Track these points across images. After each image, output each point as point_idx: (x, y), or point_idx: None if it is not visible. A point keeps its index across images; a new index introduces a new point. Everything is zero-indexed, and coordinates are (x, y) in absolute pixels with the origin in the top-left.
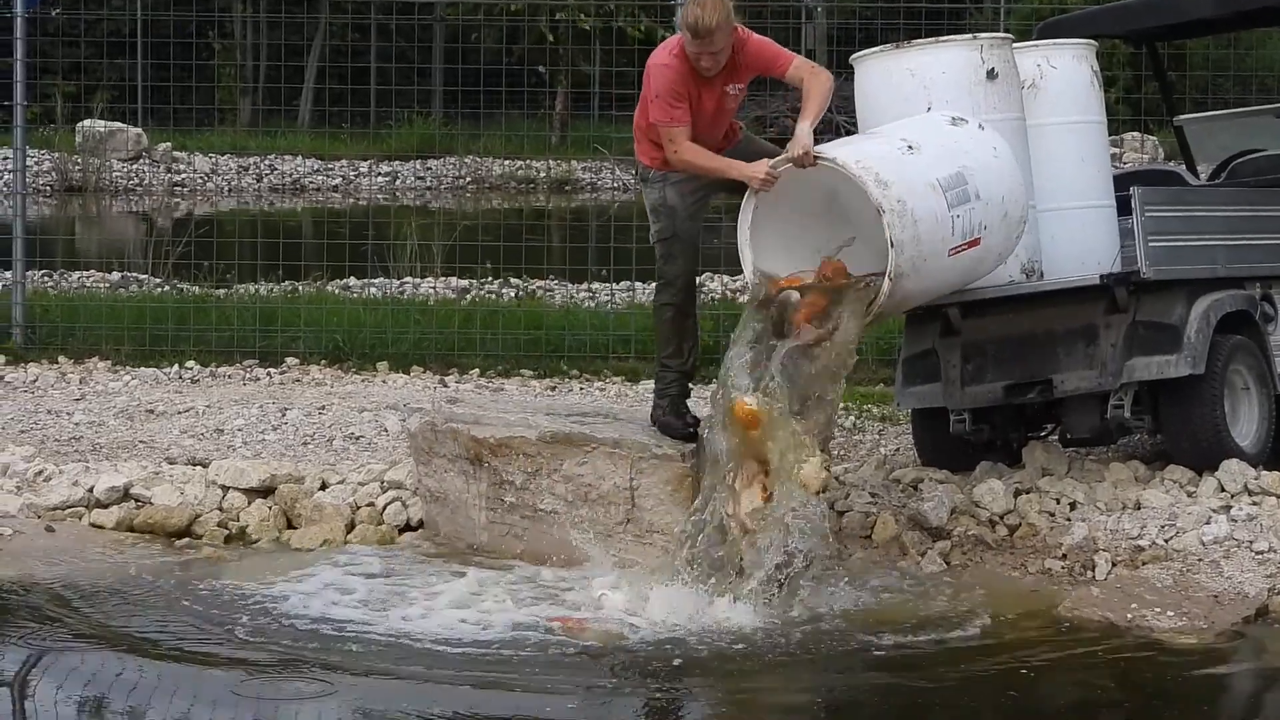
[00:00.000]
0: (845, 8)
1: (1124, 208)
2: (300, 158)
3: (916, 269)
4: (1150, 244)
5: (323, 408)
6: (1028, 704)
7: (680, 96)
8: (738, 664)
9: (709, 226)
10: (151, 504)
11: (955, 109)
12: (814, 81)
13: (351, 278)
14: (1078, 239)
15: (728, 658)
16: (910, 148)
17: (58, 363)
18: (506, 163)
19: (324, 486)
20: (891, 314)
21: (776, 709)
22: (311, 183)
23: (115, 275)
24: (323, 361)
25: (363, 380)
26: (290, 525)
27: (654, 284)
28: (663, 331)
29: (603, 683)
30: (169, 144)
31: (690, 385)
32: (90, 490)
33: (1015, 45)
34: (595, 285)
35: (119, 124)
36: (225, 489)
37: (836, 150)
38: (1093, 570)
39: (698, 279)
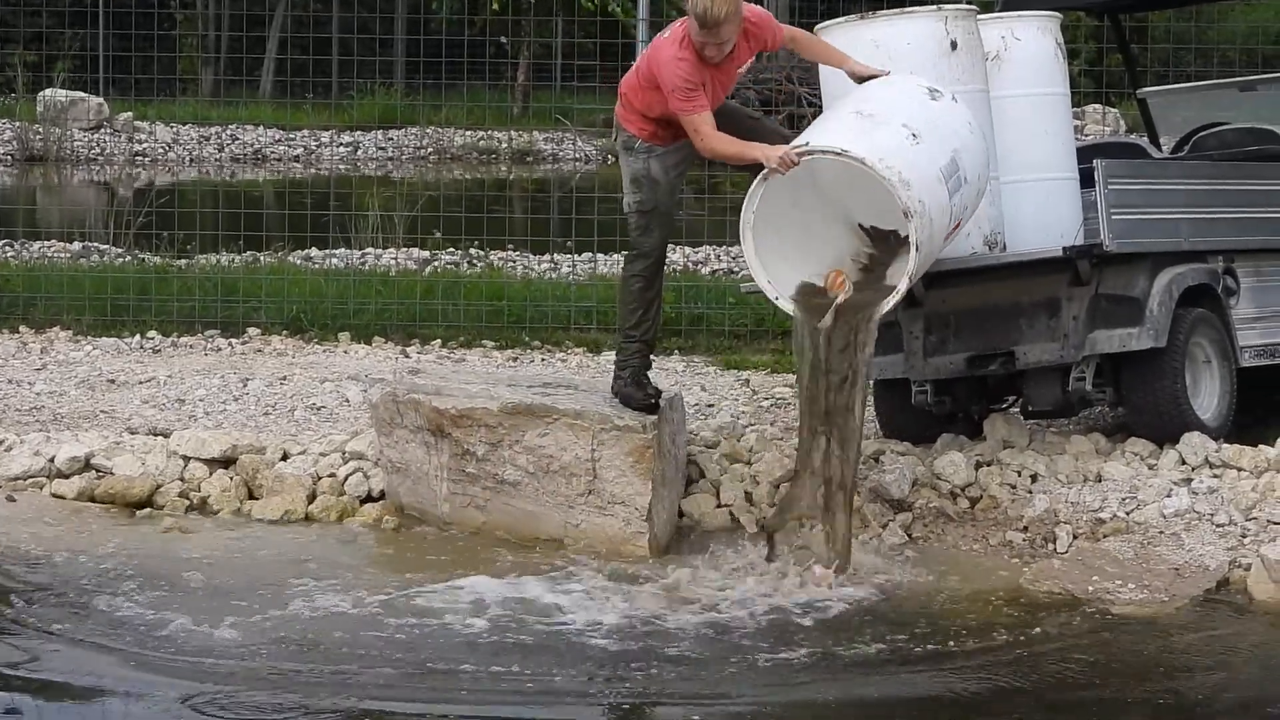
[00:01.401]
0: None
1: (1087, 180)
2: (262, 128)
3: (923, 265)
4: (1113, 217)
5: (284, 378)
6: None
7: (696, 86)
8: None
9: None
10: (113, 474)
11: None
12: (812, 40)
13: (313, 248)
14: (1040, 211)
15: None
16: (914, 135)
17: (19, 332)
18: (468, 133)
19: (285, 457)
20: None
21: None
22: (273, 153)
23: (76, 245)
24: (284, 332)
25: (324, 351)
26: (252, 496)
27: (622, 254)
28: (629, 302)
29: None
30: (130, 114)
31: (651, 357)
32: (51, 460)
33: (979, 17)
34: (557, 256)
35: (80, 93)
36: (186, 459)
37: (854, 143)
38: (1054, 543)
39: None
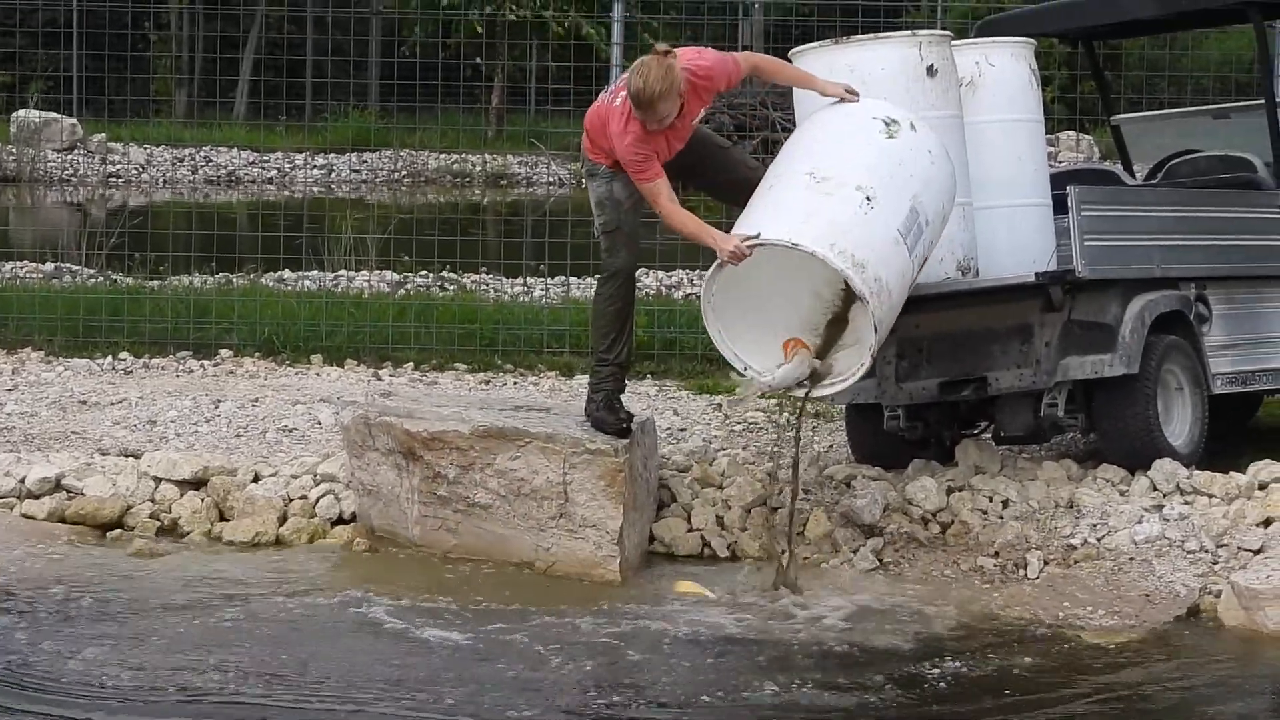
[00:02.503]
0: (782, 4)
1: (1060, 206)
2: (236, 150)
3: (886, 325)
4: (1086, 243)
5: (256, 400)
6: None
7: (648, 155)
8: None
9: (646, 222)
10: (83, 495)
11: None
12: (777, 66)
13: (286, 270)
14: (1014, 237)
15: None
16: (868, 199)
17: None
18: (442, 156)
19: (257, 479)
20: None
21: None
22: (247, 175)
23: (49, 266)
24: (256, 354)
25: (296, 373)
26: (223, 517)
27: (595, 278)
28: (602, 324)
29: None
30: (104, 135)
31: (625, 381)
32: (22, 481)
33: (954, 43)
34: (530, 280)
35: (54, 114)
36: (158, 481)
37: (804, 228)
38: (1025, 568)
39: None
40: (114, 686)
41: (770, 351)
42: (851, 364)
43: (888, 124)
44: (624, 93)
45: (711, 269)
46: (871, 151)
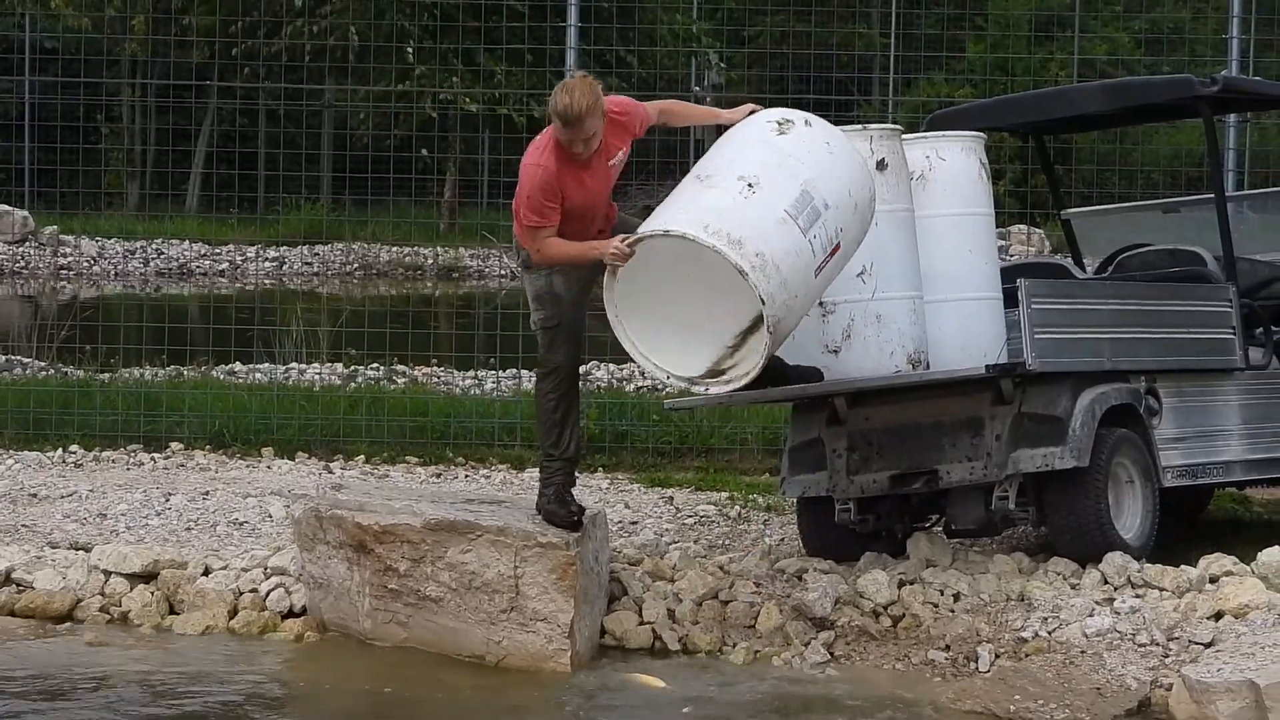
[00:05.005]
0: (732, 98)
1: (1010, 300)
2: (188, 242)
3: (789, 308)
4: (1036, 336)
5: (207, 493)
6: None
7: (552, 197)
8: None
9: (594, 314)
10: (33, 589)
11: None
12: (682, 107)
13: (237, 363)
14: (964, 330)
15: None
16: (749, 185)
17: None
18: (394, 249)
19: (207, 572)
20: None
21: None
22: (199, 267)
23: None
24: (207, 447)
25: (247, 466)
26: (173, 610)
27: (536, 372)
28: (545, 420)
29: None
30: (55, 227)
31: (575, 474)
32: None
33: (905, 137)
34: (482, 372)
35: (5, 206)
36: (108, 574)
37: (679, 217)
38: (976, 661)
39: (582, 368)
40: None
41: (692, 356)
42: (757, 348)
43: (780, 123)
44: (547, 135)
45: (605, 279)
46: (760, 148)
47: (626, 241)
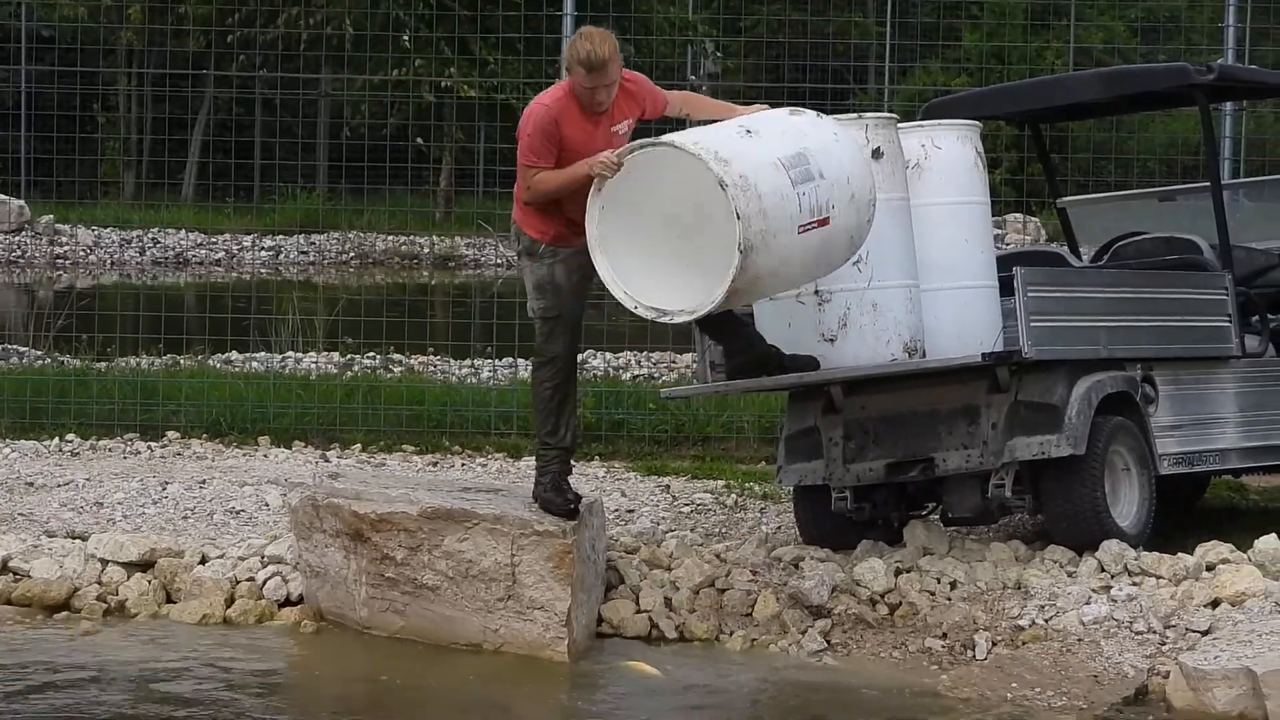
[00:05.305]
0: (729, 88)
1: (1007, 288)
2: (184, 231)
3: (766, 244)
4: (1032, 324)
5: (203, 482)
6: None
7: (550, 140)
8: None
9: (591, 304)
10: (30, 577)
11: None
12: (703, 100)
13: (233, 352)
14: (960, 318)
15: None
16: (749, 132)
17: None
18: (390, 238)
19: (204, 561)
20: (750, 295)
21: None
22: (195, 256)
23: None
24: (204, 435)
25: (244, 454)
26: (170, 599)
27: (533, 360)
28: (542, 409)
29: None
30: (51, 216)
31: (571, 463)
32: None
33: (900, 125)
34: (478, 361)
35: (1, 195)
36: (104, 562)
37: (672, 137)
38: (973, 649)
39: (579, 356)
40: None
41: (670, 288)
42: (725, 270)
43: (793, 110)
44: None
45: (590, 199)
46: (767, 118)
47: (616, 153)
